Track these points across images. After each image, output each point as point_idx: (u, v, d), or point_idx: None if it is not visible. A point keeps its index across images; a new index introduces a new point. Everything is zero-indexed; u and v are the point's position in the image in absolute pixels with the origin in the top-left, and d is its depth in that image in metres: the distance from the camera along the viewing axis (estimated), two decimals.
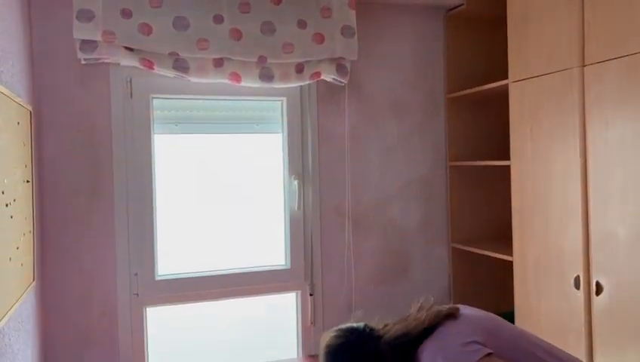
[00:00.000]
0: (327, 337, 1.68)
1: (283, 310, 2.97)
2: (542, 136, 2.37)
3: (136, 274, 2.60)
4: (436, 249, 3.09)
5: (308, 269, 2.88)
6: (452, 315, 1.65)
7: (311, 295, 2.87)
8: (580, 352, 2.14)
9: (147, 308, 2.65)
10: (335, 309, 2.92)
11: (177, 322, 2.82)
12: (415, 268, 3.07)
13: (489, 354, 1.51)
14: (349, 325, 1.69)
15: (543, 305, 2.37)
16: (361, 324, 1.68)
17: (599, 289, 2.10)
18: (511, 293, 2.58)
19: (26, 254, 2.03)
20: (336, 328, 1.69)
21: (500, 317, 1.73)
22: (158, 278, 2.65)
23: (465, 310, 1.69)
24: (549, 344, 1.69)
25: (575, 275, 2.19)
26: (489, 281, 3.04)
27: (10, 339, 1.80)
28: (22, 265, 1.96)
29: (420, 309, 1.70)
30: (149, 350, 2.66)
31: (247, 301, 2.92)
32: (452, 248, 3.05)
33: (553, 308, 2.31)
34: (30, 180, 2.14)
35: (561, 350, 1.69)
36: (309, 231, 2.88)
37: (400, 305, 3.01)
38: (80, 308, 2.53)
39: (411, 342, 1.60)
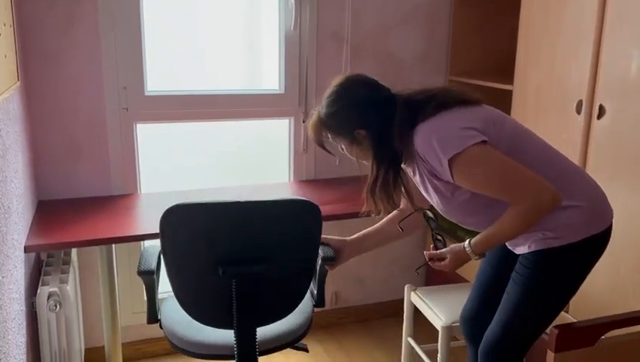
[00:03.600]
0: (349, 74, 1.68)
1: (273, 140, 2.94)
2: None
3: (124, 88, 2.50)
4: (434, 81, 3.01)
5: (302, 95, 2.80)
6: (467, 102, 1.61)
7: (304, 122, 2.83)
8: None
9: (137, 124, 2.59)
10: None
11: (168, 142, 2.78)
12: None
13: (483, 142, 1.51)
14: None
15: (540, 133, 2.36)
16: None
17: (602, 112, 2.07)
18: None
19: (7, 48, 1.90)
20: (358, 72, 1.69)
21: (507, 116, 1.70)
22: (147, 94, 2.56)
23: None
24: (554, 150, 1.68)
25: (578, 100, 2.15)
26: None
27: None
28: (5, 56, 1.85)
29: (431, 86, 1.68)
30: (140, 167, 2.64)
31: (238, 129, 2.87)
32: (450, 80, 2.98)
33: (550, 136, 2.29)
34: None
35: (564, 158, 1.68)
36: (304, 55, 2.76)
37: None
38: (68, 121, 2.46)
39: (417, 107, 1.56)
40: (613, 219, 1.67)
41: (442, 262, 1.68)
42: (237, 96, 2.73)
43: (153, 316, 1.94)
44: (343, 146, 1.67)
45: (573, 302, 2.17)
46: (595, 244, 1.65)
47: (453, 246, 1.67)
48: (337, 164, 2.89)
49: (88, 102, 2.47)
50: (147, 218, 2.43)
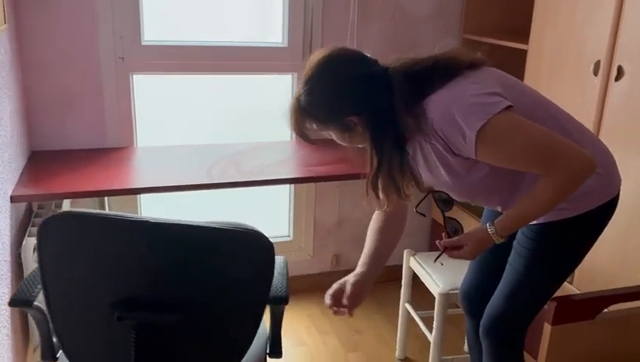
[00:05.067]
0: (329, 49, 1.39)
1: (276, 97, 2.83)
2: None
3: (121, 37, 2.41)
4: (446, 39, 2.86)
5: (306, 49, 2.68)
6: (474, 65, 1.42)
7: None
8: None
9: (134, 75, 2.50)
10: None
11: (167, 95, 2.69)
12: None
13: (509, 107, 1.33)
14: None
15: (553, 96, 2.23)
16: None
17: (620, 73, 1.94)
18: None
19: None
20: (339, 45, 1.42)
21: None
22: (144, 43, 2.46)
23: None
24: (570, 115, 1.56)
25: (596, 60, 2.01)
26: None
27: None
28: None
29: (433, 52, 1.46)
30: (137, 120, 2.57)
31: (240, 84, 2.77)
32: (463, 39, 2.83)
33: (565, 98, 2.17)
34: None
35: (580, 123, 1.56)
36: (309, 7, 2.63)
37: None
38: (61, 70, 2.38)
39: (418, 79, 1.36)
40: (621, 187, 1.56)
41: (461, 250, 1.45)
42: (237, 48, 2.62)
43: (49, 353, 1.47)
44: (333, 135, 1.44)
45: (578, 273, 2.08)
46: (605, 213, 1.54)
47: (473, 230, 1.46)
48: None
49: (82, 49, 2.38)
50: (142, 171, 2.38)
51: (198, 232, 1.22)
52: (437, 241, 1.47)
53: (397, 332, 2.51)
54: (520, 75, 2.41)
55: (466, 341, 2.14)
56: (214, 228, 1.21)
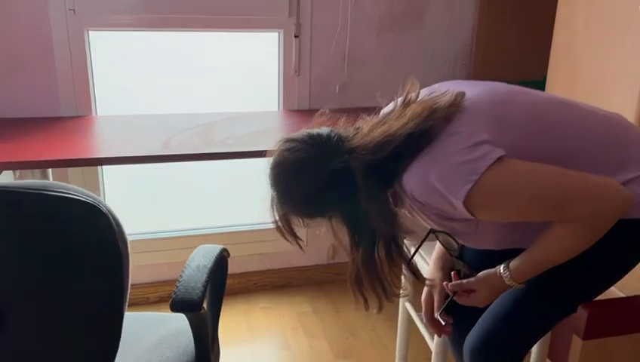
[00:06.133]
0: (277, 150, 1.17)
1: (261, 61, 2.45)
2: None
3: None
4: None
5: (294, 3, 2.29)
6: (453, 114, 1.10)
7: (296, 37, 2.32)
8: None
9: (89, 31, 2.15)
10: (325, 57, 2.39)
11: (132, 56, 2.33)
12: (432, 15, 2.45)
13: (500, 158, 1.04)
14: (306, 132, 1.17)
15: (591, 42, 1.79)
16: (324, 130, 1.16)
17: None
18: (545, 58, 2.01)
19: None
20: (288, 137, 1.18)
21: (509, 88, 1.19)
22: None
23: (468, 92, 1.14)
24: (601, 114, 1.19)
25: None
26: (520, 42, 2.45)
27: None
28: None
29: (406, 104, 1.14)
30: (95, 84, 2.22)
31: (221, 44, 2.40)
32: None
33: (606, 42, 1.73)
34: None
35: (615, 121, 1.19)
36: None
37: (407, 63, 2.53)
38: (3, 24, 2.04)
39: (389, 162, 1.10)
40: None
41: (472, 295, 1.24)
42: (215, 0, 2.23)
43: None
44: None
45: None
46: None
47: (485, 273, 1.23)
48: (337, 91, 2.43)
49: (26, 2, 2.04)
50: (102, 142, 2.05)
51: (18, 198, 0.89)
52: (444, 284, 1.29)
53: (397, 335, 2.11)
54: (550, 18, 1.98)
55: None
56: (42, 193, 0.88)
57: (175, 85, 2.37)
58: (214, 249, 1.20)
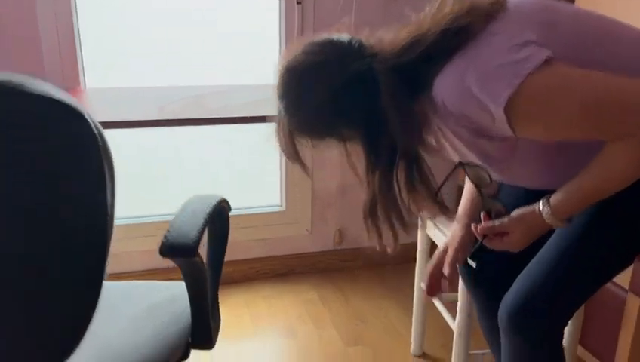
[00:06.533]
0: (289, 54, 1.03)
1: (257, 33, 2.30)
2: None
3: None
4: None
5: None
6: (496, 12, 0.96)
7: (298, 3, 2.18)
8: None
9: None
10: (331, 22, 2.23)
11: (125, 25, 2.18)
12: None
13: (547, 60, 0.90)
14: (325, 36, 1.04)
15: None
16: (345, 36, 1.03)
17: None
18: None
19: None
20: (305, 41, 1.03)
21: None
22: None
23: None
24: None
25: None
26: None
27: None
28: None
29: (440, 6, 1.00)
30: (83, 54, 2.07)
31: (213, 11, 2.25)
32: None
33: None
34: None
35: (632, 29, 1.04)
36: None
37: None
38: None
39: (423, 58, 0.96)
40: None
41: (506, 238, 1.09)
42: None
43: None
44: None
45: None
46: None
47: (520, 212, 1.07)
48: None
49: None
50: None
51: None
52: (472, 225, 1.13)
53: (412, 322, 1.94)
54: None
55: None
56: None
57: (169, 55, 2.21)
58: (212, 197, 1.04)
